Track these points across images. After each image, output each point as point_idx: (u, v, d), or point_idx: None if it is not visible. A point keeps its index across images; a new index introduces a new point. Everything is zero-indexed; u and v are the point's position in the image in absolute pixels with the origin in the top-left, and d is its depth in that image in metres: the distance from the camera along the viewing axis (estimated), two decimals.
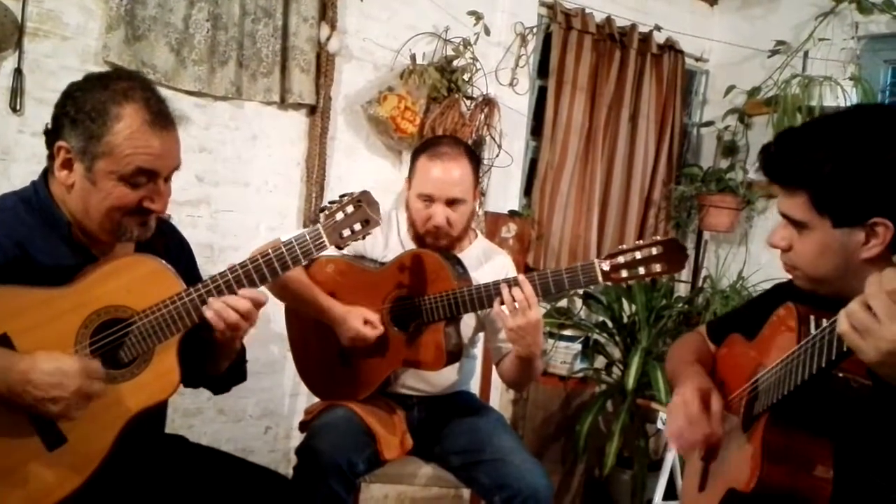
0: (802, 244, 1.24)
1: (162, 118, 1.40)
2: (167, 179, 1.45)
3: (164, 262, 1.45)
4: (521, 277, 1.73)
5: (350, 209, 1.50)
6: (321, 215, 1.51)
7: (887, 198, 1.13)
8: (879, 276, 0.91)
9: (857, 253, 1.17)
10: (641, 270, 1.67)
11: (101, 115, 1.34)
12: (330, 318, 1.94)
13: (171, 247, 1.60)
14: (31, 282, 1.36)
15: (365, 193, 1.51)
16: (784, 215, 1.26)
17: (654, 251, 1.66)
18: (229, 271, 1.45)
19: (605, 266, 1.69)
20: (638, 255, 1.67)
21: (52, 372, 1.27)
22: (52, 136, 1.40)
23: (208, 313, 1.42)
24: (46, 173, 1.46)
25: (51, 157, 1.41)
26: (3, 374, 1.25)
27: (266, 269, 1.46)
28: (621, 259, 1.68)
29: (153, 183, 1.41)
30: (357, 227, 1.50)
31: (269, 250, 1.47)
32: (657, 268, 1.66)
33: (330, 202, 1.53)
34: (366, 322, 1.89)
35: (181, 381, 1.47)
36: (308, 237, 1.48)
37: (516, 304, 1.70)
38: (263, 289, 1.55)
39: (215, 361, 1.58)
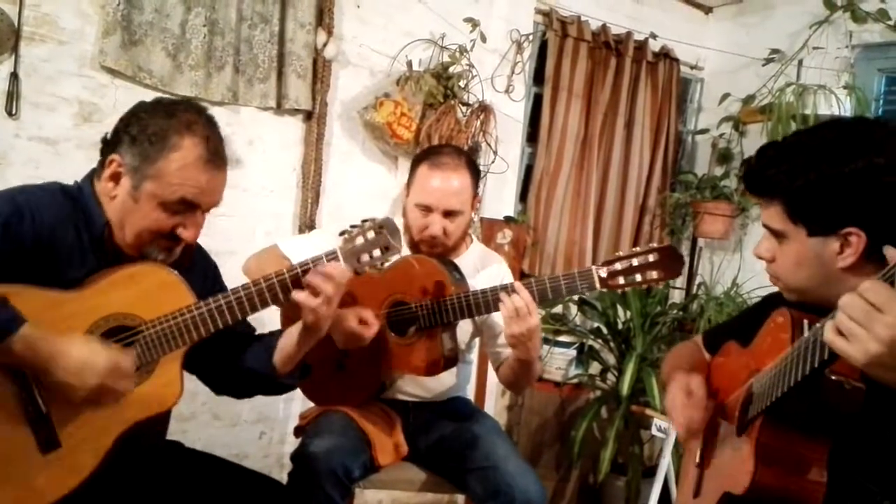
0: (782, 254, 1.28)
1: (216, 158, 1.45)
2: (203, 212, 1.48)
3: (177, 273, 1.45)
4: (518, 285, 1.74)
5: (371, 235, 1.49)
6: (340, 239, 1.50)
7: (858, 207, 1.15)
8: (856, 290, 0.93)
9: (834, 262, 1.19)
10: (638, 277, 1.68)
11: (160, 140, 1.39)
12: None
13: (198, 263, 1.61)
14: (51, 268, 1.37)
15: (387, 220, 1.50)
16: (765, 226, 1.29)
17: (651, 258, 1.66)
18: (242, 289, 1.46)
19: (603, 273, 1.69)
20: (635, 261, 1.67)
21: (78, 363, 1.29)
22: (108, 147, 1.44)
23: (300, 297, 1.44)
24: (93, 175, 1.49)
25: (100, 166, 1.45)
26: (35, 348, 1.26)
27: (279, 288, 1.46)
28: (618, 266, 1.68)
29: (191, 213, 1.44)
30: (376, 253, 1.49)
31: (285, 270, 1.46)
32: (654, 275, 1.67)
33: (351, 226, 1.51)
34: (361, 321, 1.88)
35: (181, 393, 1.46)
36: (325, 261, 1.47)
37: (517, 312, 1.70)
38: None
39: (293, 356, 1.58)
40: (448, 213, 1.96)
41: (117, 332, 1.40)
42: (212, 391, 1.70)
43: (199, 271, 1.61)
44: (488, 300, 1.79)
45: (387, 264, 2.00)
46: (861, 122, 1.25)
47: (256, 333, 1.69)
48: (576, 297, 3.46)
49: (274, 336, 1.62)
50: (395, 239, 1.49)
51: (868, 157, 1.13)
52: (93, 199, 1.45)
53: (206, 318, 1.42)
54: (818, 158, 1.17)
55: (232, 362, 1.61)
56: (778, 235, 1.26)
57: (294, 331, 1.56)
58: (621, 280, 1.68)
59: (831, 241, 1.18)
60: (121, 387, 1.33)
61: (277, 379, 1.61)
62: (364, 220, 1.51)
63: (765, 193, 1.27)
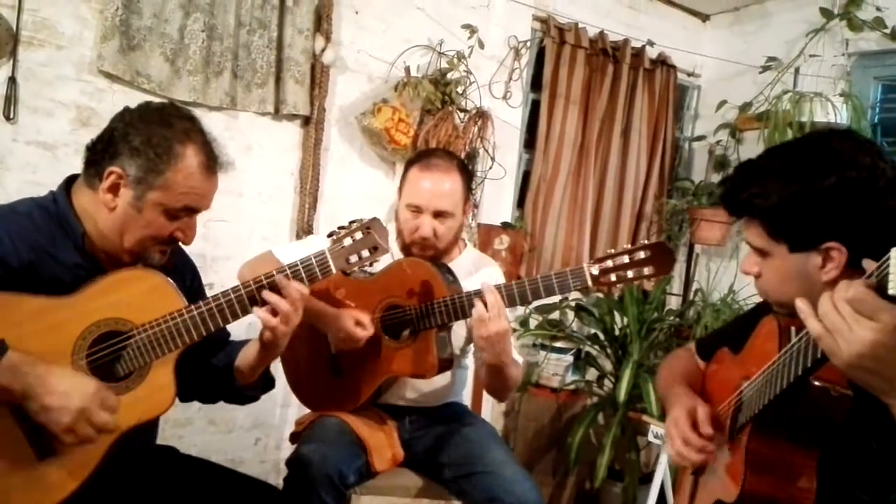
0: (767, 271, 1.28)
1: (214, 163, 1.47)
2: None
3: (166, 277, 1.45)
4: (488, 286, 1.75)
5: (358, 235, 1.49)
6: (328, 240, 1.51)
7: (835, 222, 1.15)
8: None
9: (818, 276, 1.19)
10: (630, 274, 1.69)
11: (166, 151, 1.40)
12: (321, 322, 1.94)
13: (177, 264, 1.61)
14: (41, 287, 1.36)
15: (374, 220, 1.51)
16: (749, 244, 1.30)
17: (643, 255, 1.68)
18: (232, 291, 1.46)
19: (595, 270, 1.70)
20: (626, 258, 1.69)
21: (65, 388, 1.28)
22: (101, 156, 1.42)
23: (260, 313, 1.45)
24: (69, 184, 1.47)
25: (94, 176, 1.42)
26: (19, 378, 1.26)
27: (269, 288, 1.46)
28: (610, 263, 1.70)
29: (188, 217, 1.47)
30: (365, 253, 1.49)
31: (274, 272, 1.47)
32: (646, 271, 1.68)
33: (339, 227, 1.52)
34: (357, 323, 1.89)
35: (177, 397, 1.47)
36: (314, 261, 1.48)
37: (482, 316, 1.71)
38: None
39: (254, 369, 1.58)
40: (438, 214, 1.96)
41: (109, 337, 1.40)
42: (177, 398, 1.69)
43: (180, 271, 1.62)
44: None
45: (376, 265, 2.01)
46: (829, 136, 1.23)
47: (229, 339, 1.70)
48: (573, 304, 3.47)
49: (239, 346, 1.62)
50: (382, 239, 1.49)
51: (839, 173, 1.14)
52: (70, 210, 1.44)
53: (196, 322, 1.43)
54: (789, 177, 1.18)
55: (198, 368, 1.61)
56: (761, 253, 1.27)
57: (254, 345, 1.56)
58: (613, 277, 1.69)
59: (813, 256, 1.19)
60: (101, 419, 1.30)
61: (240, 390, 1.62)
62: (351, 222, 1.52)
63: (742, 214, 1.28)
